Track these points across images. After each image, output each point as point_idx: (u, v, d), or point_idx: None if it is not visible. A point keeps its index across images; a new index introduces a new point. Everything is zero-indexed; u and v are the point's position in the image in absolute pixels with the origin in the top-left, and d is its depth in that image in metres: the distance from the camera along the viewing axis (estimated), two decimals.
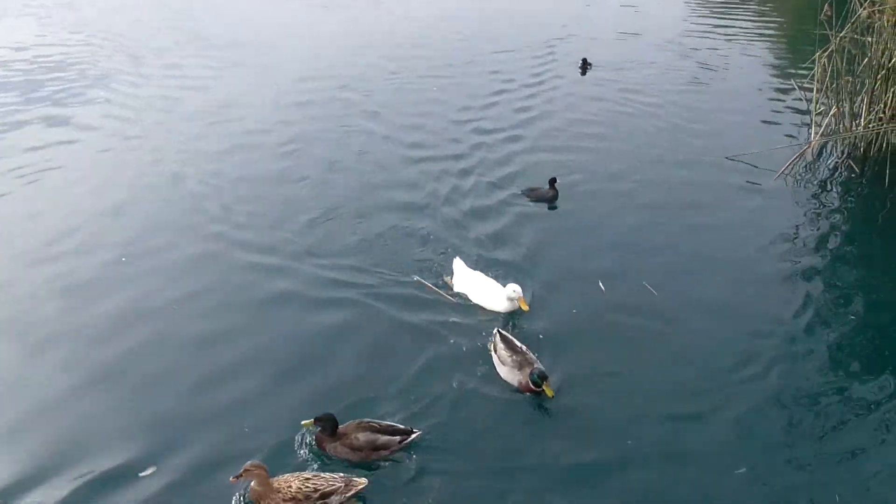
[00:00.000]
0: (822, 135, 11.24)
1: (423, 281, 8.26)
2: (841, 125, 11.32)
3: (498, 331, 7.33)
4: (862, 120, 11.01)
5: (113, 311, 7.72)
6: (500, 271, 8.44)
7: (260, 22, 20.01)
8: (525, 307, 7.69)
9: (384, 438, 6.01)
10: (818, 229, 9.49)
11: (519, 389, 6.81)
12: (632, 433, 6.22)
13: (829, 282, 8.44)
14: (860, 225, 9.91)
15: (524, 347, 7.08)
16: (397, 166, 11.16)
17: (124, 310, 7.74)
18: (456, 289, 8.20)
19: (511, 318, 7.83)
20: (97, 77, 15.26)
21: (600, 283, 8.20)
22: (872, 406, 6.42)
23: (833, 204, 10.29)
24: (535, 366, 6.77)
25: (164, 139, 12.10)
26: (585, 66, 15.90)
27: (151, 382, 6.77)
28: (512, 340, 7.16)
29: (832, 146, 11.55)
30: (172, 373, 6.88)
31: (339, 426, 6.01)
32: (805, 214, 9.84)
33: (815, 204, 10.17)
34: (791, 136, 11.96)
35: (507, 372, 6.92)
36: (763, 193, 10.31)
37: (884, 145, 10.88)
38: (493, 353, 7.18)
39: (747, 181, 10.63)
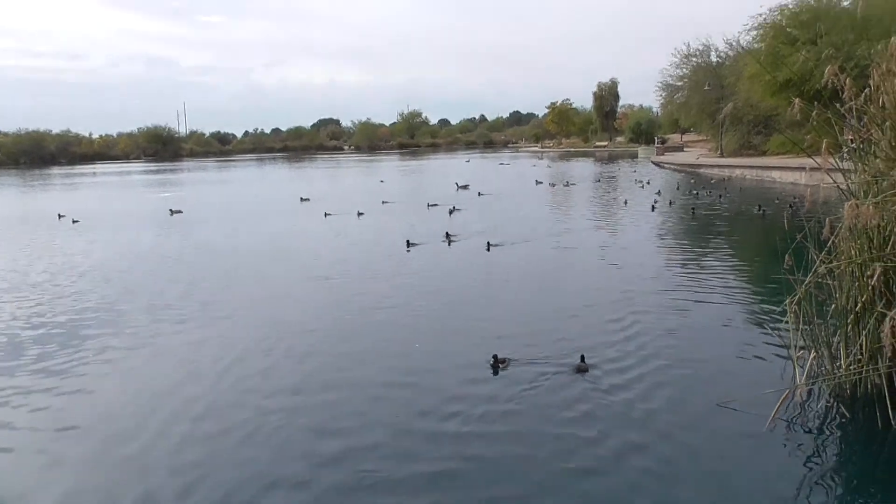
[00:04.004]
0: (806, 377, 11.39)
1: None
2: (822, 368, 11.55)
3: None
4: (842, 363, 11.25)
5: None
6: None
7: None
8: None
9: None
10: (815, 481, 9.27)
11: None
12: None
13: None
14: (860, 477, 9.65)
15: None
16: None
17: None
18: None
19: None
20: None
21: None
22: None
23: (829, 451, 10.16)
24: None
25: None
26: (497, 364, 12.94)
27: None
28: None
29: (819, 388, 11.65)
30: None
31: None
32: (802, 464, 9.68)
33: (809, 452, 10.02)
34: (778, 378, 12.09)
35: None
36: (757, 441, 10.20)
37: (869, 387, 11.00)
38: None
39: (740, 430, 10.58)
